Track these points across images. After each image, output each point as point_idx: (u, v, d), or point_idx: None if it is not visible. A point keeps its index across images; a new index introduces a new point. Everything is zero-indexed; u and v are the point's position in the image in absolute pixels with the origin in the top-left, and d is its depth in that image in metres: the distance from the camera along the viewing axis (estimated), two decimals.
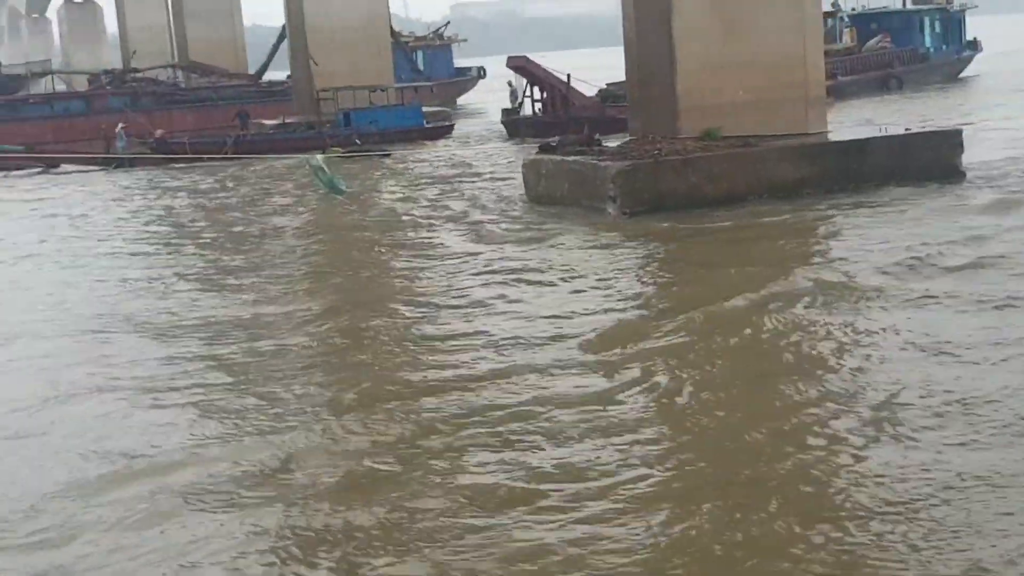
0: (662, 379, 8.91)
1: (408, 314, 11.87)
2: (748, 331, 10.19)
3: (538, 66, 33.92)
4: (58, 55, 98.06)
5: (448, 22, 69.23)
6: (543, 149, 20.24)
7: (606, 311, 11.26)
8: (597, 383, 8.88)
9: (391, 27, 54.14)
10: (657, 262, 14.35)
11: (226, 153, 32.75)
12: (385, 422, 8.23)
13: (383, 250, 16.53)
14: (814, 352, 9.56)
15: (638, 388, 8.69)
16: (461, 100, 60.60)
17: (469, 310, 11.81)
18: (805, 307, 10.94)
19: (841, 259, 13.19)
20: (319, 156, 24.33)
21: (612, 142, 20.69)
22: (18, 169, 32.77)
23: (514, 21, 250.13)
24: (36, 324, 12.40)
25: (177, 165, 31.63)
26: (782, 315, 10.67)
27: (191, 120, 43.65)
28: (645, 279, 13.35)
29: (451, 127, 38.14)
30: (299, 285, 14.12)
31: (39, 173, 32.65)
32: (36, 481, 7.51)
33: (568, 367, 9.33)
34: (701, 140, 18.87)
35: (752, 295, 11.34)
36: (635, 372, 9.09)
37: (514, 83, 36.83)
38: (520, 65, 34.12)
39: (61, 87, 54.57)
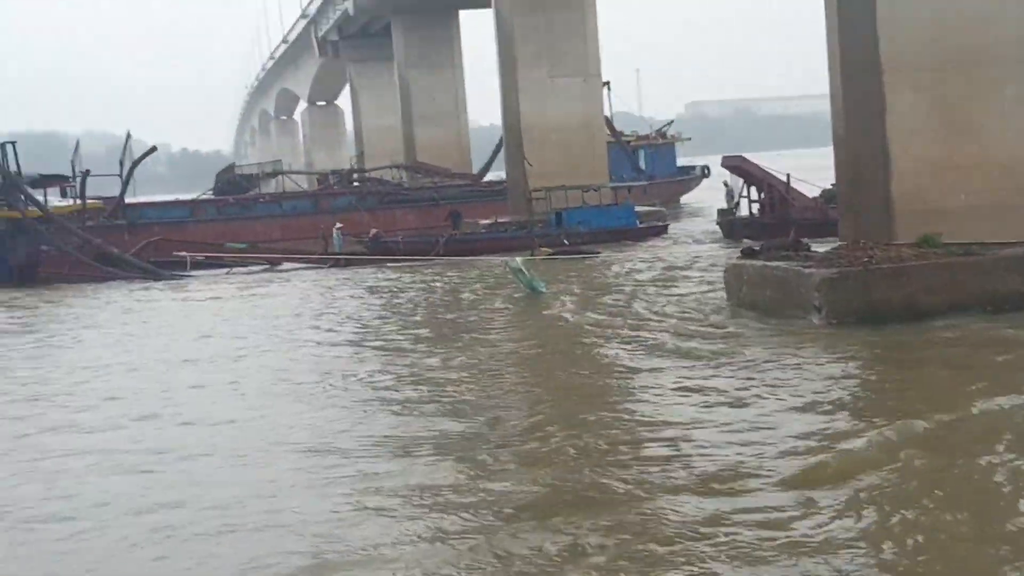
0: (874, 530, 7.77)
1: (597, 430, 11.08)
2: (976, 477, 8.80)
3: (755, 165, 32.88)
4: (302, 154, 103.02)
5: (672, 121, 68.87)
6: (746, 253, 19.23)
7: (799, 438, 10.13)
8: (798, 528, 7.84)
9: (612, 126, 54.37)
10: (864, 380, 13.00)
11: (437, 253, 32.98)
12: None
13: (574, 359, 15.78)
14: None
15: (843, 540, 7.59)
16: (684, 199, 59.86)
17: (657, 431, 10.93)
18: None
19: None
20: (518, 259, 24.06)
21: (823, 247, 19.45)
22: (242, 266, 33.78)
23: (747, 119, 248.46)
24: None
25: (390, 264, 31.96)
26: (1008, 450, 9.34)
27: (412, 219, 44.50)
28: (848, 401, 11.85)
29: (665, 227, 37.41)
30: (486, 396, 13.54)
31: (264, 271, 33.59)
32: None
33: (767, 507, 8.34)
34: (918, 247, 17.44)
35: (972, 422, 10.13)
36: (842, 522, 7.95)
37: (730, 183, 35.87)
38: (736, 165, 33.18)
39: (304, 184, 57.06)
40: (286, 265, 34.15)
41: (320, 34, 72.08)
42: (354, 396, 13.66)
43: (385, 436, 11.33)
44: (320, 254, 34.43)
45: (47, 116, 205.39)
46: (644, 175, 55.27)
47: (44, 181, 36.30)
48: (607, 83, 55.53)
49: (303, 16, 76.29)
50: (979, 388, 11.58)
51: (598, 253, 30.58)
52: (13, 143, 33.96)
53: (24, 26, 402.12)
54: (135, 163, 39.88)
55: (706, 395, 12.37)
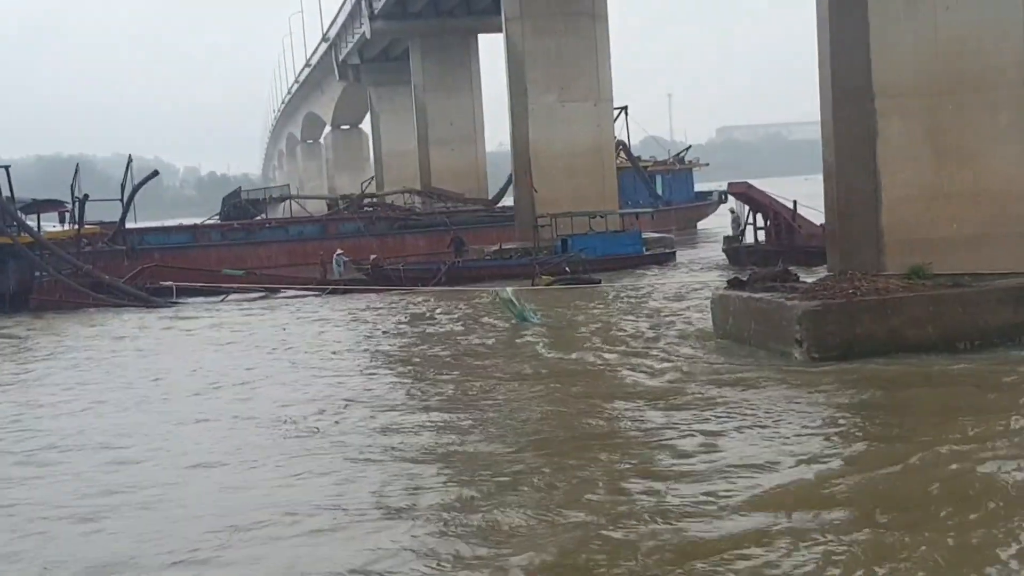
0: None
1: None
2: (953, 534, 8.21)
3: (761, 192, 32.31)
4: (327, 178, 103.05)
5: (689, 146, 68.34)
6: (732, 284, 18.66)
7: (757, 490, 9.53)
8: None
9: (629, 151, 53.91)
10: (842, 421, 12.25)
11: (439, 281, 32.51)
12: None
13: (548, 387, 15.29)
14: None
15: None
16: (702, 224, 59.17)
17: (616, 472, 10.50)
18: None
19: None
20: (508, 289, 23.56)
21: (811, 277, 18.88)
22: (239, 292, 33.35)
23: (778, 144, 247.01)
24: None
25: (391, 291, 31.47)
26: (994, 498, 8.78)
27: (423, 245, 44.21)
28: (823, 447, 11.06)
29: (672, 254, 36.82)
30: (471, 420, 13.23)
31: (261, 297, 33.14)
32: None
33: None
34: (907, 278, 16.85)
35: (949, 464, 9.62)
36: None
37: (736, 210, 35.29)
38: (741, 191, 32.64)
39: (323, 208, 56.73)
40: (285, 292, 33.69)
41: (340, 58, 72.02)
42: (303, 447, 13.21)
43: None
44: (318, 281, 33.98)
45: (77, 140, 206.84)
46: (661, 201, 54.72)
47: (38, 206, 35.98)
48: (624, 108, 55.30)
49: (324, 39, 76.30)
50: (960, 437, 10.82)
51: (599, 281, 30.04)
52: (7, 167, 33.68)
53: (55, 51, 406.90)
54: (136, 188, 39.62)
55: (654, 435, 11.87)
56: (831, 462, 10.33)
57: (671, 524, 8.71)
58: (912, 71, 17.40)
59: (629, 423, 12.75)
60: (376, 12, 56.61)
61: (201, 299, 32.68)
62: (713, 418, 12.47)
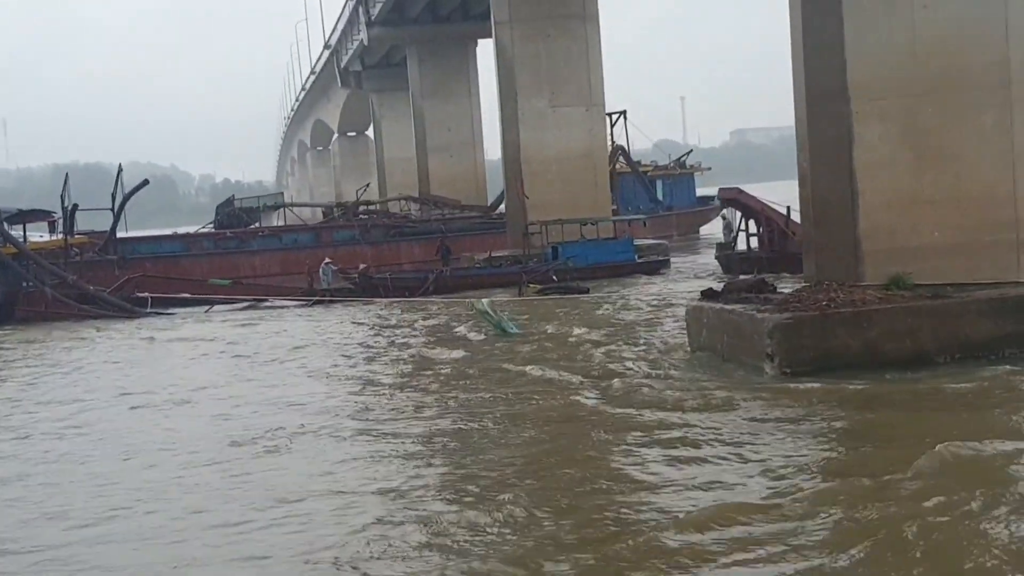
0: None
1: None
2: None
3: (753, 198, 31.50)
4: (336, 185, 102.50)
5: (691, 150, 67.45)
6: (706, 295, 17.90)
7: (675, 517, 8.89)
8: None
9: (628, 156, 53.19)
10: (811, 440, 11.51)
11: (426, 291, 31.87)
12: None
13: (509, 402, 14.63)
14: None
15: None
16: (704, 230, 58.34)
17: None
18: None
19: None
20: (484, 300, 22.94)
21: (789, 287, 18.13)
22: (224, 303, 32.78)
23: (791, 147, 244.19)
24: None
25: (378, 301, 30.83)
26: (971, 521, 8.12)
27: (418, 252, 43.54)
28: (787, 470, 10.29)
29: (666, 262, 36.05)
30: (428, 443, 12.58)
31: (247, 308, 32.57)
32: None
33: None
34: (886, 289, 16.08)
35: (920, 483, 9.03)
36: None
37: (728, 216, 34.52)
38: (733, 197, 31.86)
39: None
40: (272, 302, 33.07)
41: (343, 65, 71.49)
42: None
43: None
44: (304, 291, 33.34)
45: (95, 149, 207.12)
46: (662, 206, 53.99)
47: (24, 216, 35.59)
48: (623, 113, 54.60)
49: (326, 47, 75.84)
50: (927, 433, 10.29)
51: (587, 290, 29.32)
52: None
53: (72, 61, 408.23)
54: (127, 196, 39.14)
55: (600, 460, 11.18)
56: (784, 506, 9.53)
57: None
58: (890, 71, 16.57)
59: (580, 445, 12.06)
60: (373, 18, 56.05)
61: (188, 310, 32.18)
62: (668, 441, 11.76)
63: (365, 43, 58.54)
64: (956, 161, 16.54)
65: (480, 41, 57.19)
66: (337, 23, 68.96)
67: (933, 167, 16.57)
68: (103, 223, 41.35)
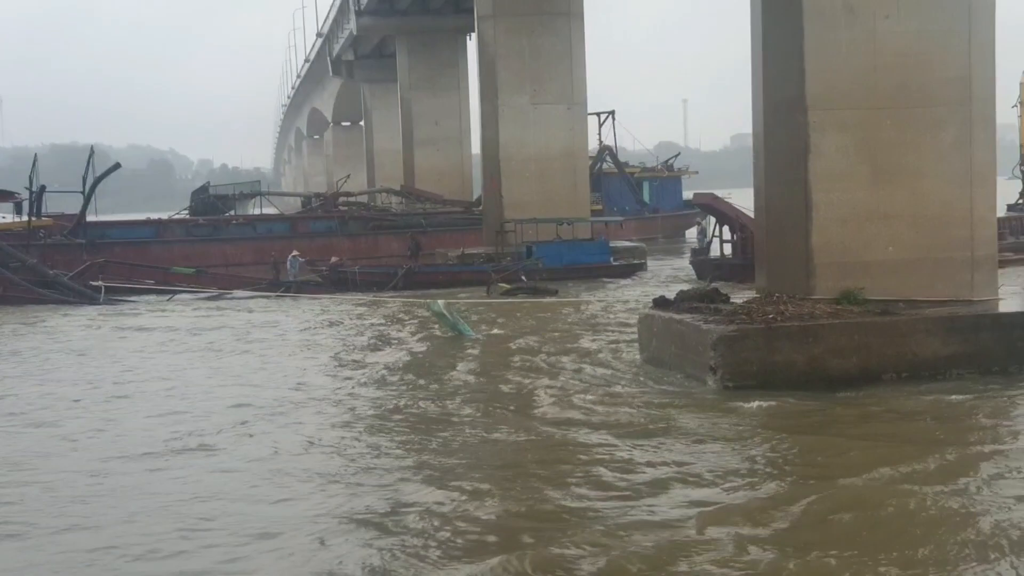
0: None
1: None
2: None
3: (727, 204, 31.13)
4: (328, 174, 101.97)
5: (678, 153, 67.07)
6: (658, 303, 17.56)
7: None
8: None
9: (615, 156, 52.82)
10: (746, 457, 11.26)
11: (395, 286, 31.54)
12: None
13: (445, 410, 14.28)
14: None
15: None
16: (689, 233, 57.84)
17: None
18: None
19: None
20: (440, 301, 22.59)
21: (742, 297, 17.78)
22: (188, 292, 32.39)
23: None
24: None
25: (345, 295, 30.50)
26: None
27: (397, 246, 43.11)
28: (719, 484, 10.17)
29: (642, 265, 35.71)
30: (360, 442, 12.45)
31: (211, 297, 32.16)
32: None
33: None
34: (837, 303, 15.79)
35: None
36: None
37: (702, 221, 34.17)
38: (707, 203, 31.49)
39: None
40: (238, 292, 32.68)
41: (335, 54, 70.96)
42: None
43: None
44: (268, 282, 32.96)
45: (93, 130, 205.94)
46: (648, 208, 53.64)
47: None
48: (611, 113, 54.23)
49: (319, 35, 75.33)
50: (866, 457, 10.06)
51: (555, 292, 28.99)
52: None
53: (71, 43, 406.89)
54: (97, 180, 38.69)
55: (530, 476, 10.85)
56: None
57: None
58: (850, 82, 16.25)
59: (511, 455, 11.76)
60: (362, 8, 55.54)
61: (151, 297, 31.81)
62: (599, 456, 11.44)
63: (354, 32, 58.06)
64: (913, 177, 16.26)
65: (471, 35, 56.79)
66: (330, 11, 68.46)
67: (890, 182, 16.28)
68: (76, 206, 40.87)
